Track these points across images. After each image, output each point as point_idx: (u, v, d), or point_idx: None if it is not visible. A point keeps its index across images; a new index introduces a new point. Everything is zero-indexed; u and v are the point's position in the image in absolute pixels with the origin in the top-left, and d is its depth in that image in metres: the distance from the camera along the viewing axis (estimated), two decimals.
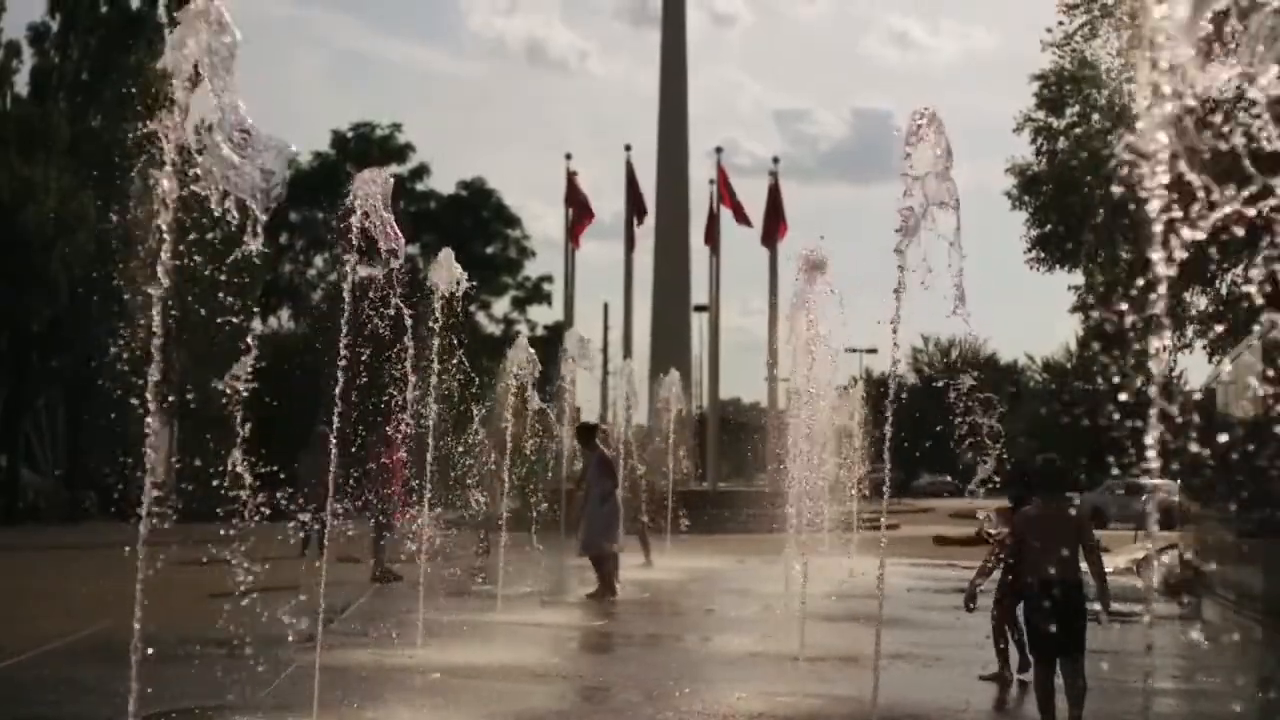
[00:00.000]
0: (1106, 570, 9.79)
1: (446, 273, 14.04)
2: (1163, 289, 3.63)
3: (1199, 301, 35.93)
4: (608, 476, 19.18)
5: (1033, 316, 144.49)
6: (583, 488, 20.39)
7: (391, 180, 10.60)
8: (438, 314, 13.70)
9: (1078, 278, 38.00)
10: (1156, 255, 3.60)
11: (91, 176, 36.26)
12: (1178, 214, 3.59)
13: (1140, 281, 3.76)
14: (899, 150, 8.46)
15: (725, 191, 47.90)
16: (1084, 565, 9.47)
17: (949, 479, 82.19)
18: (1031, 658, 9.62)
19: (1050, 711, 9.38)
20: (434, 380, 13.65)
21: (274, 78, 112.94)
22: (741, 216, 47.89)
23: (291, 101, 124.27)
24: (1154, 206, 3.59)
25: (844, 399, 25.60)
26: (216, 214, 6.19)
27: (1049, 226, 37.65)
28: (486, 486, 25.39)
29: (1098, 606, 9.50)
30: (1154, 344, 3.79)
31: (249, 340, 6.22)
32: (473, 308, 50.04)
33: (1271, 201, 3.44)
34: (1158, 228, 3.60)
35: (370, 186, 10.08)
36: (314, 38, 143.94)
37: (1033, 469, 10.31)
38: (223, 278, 6.49)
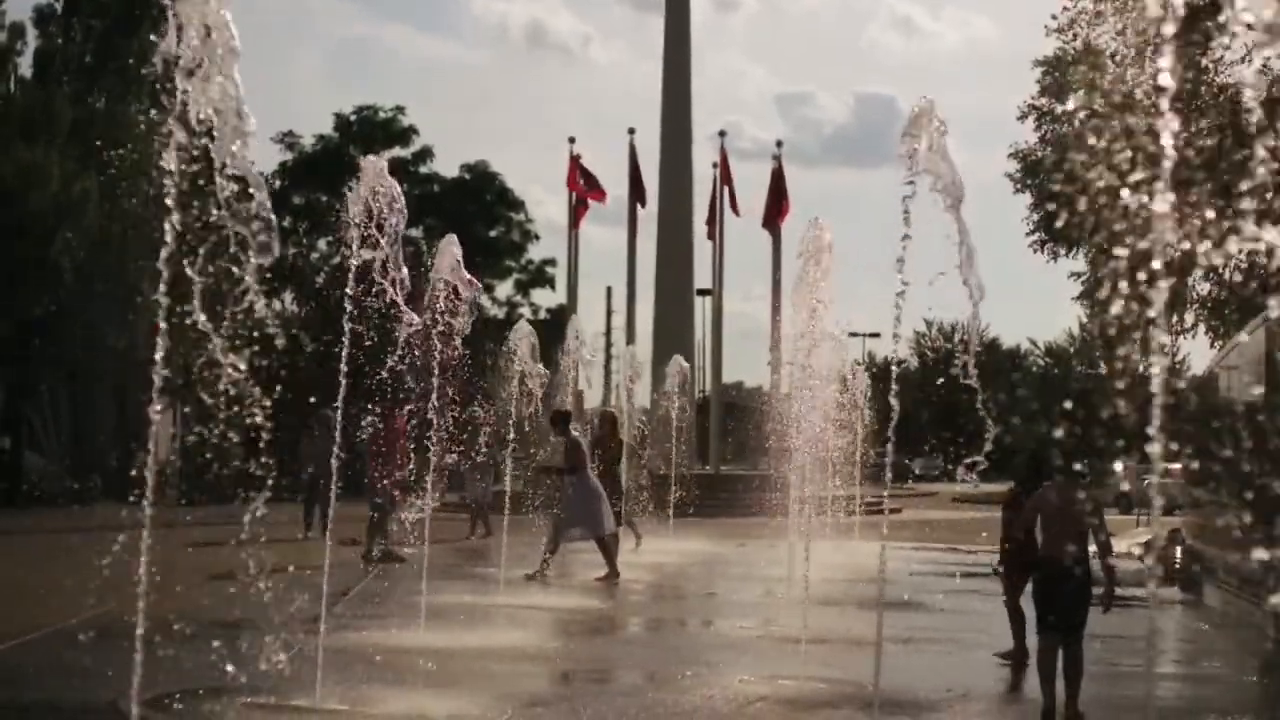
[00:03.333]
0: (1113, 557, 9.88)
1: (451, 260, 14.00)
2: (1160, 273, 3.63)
3: (1202, 286, 35.92)
4: (572, 460, 18.99)
5: (1034, 303, 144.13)
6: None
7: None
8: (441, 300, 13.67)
9: (1079, 264, 37.96)
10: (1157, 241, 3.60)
11: (94, 161, 36.21)
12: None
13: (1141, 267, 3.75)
14: (899, 142, 8.44)
15: (726, 176, 47.93)
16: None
17: (940, 464, 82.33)
18: (1036, 633, 9.75)
19: (1051, 686, 9.48)
20: (436, 365, 13.63)
21: (276, 65, 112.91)
22: (734, 205, 48.10)
23: (293, 88, 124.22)
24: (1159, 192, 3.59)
25: (846, 383, 25.56)
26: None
27: (1053, 206, 37.55)
28: (483, 470, 25.43)
29: (1099, 591, 9.56)
30: (1155, 330, 3.78)
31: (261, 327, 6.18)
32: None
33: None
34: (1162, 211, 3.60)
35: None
36: (315, 24, 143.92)
37: (1047, 452, 10.41)
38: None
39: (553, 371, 24.13)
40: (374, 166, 10.60)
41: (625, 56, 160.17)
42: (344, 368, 10.35)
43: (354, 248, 10.24)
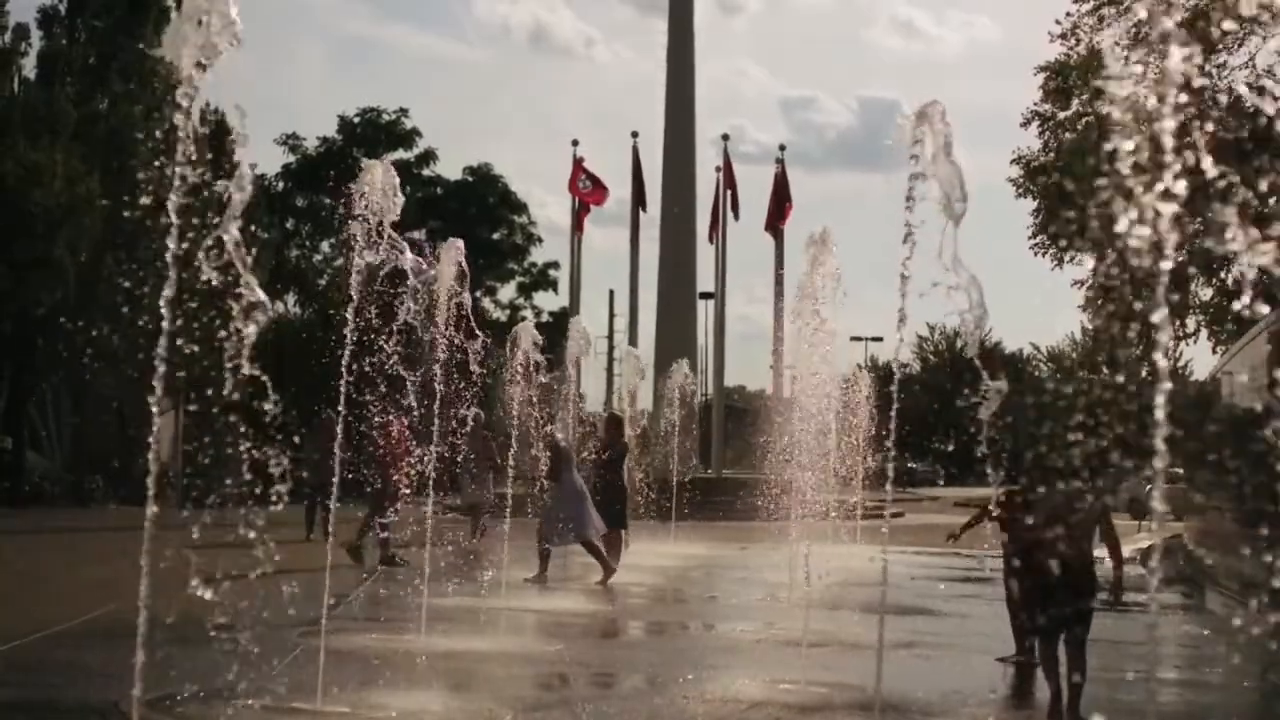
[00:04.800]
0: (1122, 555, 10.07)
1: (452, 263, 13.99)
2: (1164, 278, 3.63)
3: (1204, 291, 35.96)
4: (554, 464, 18.92)
5: (1036, 306, 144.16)
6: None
7: None
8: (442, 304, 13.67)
9: (1082, 271, 37.93)
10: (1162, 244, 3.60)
11: (97, 160, 36.28)
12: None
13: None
14: (902, 145, 8.40)
15: (729, 180, 48.05)
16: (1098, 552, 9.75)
17: (937, 467, 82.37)
18: (1039, 633, 9.93)
19: (1056, 680, 9.62)
20: (438, 367, 13.64)
21: (278, 64, 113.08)
22: (734, 209, 48.29)
23: (295, 87, 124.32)
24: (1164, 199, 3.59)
25: (848, 387, 25.54)
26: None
27: (1055, 213, 37.58)
28: (479, 471, 25.33)
29: (1105, 595, 9.70)
30: (1159, 335, 3.79)
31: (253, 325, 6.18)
32: (478, 293, 49.95)
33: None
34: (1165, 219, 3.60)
35: None
36: (317, 24, 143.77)
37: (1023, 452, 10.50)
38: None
39: (555, 375, 24.08)
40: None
41: (628, 58, 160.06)
42: (344, 371, 10.36)
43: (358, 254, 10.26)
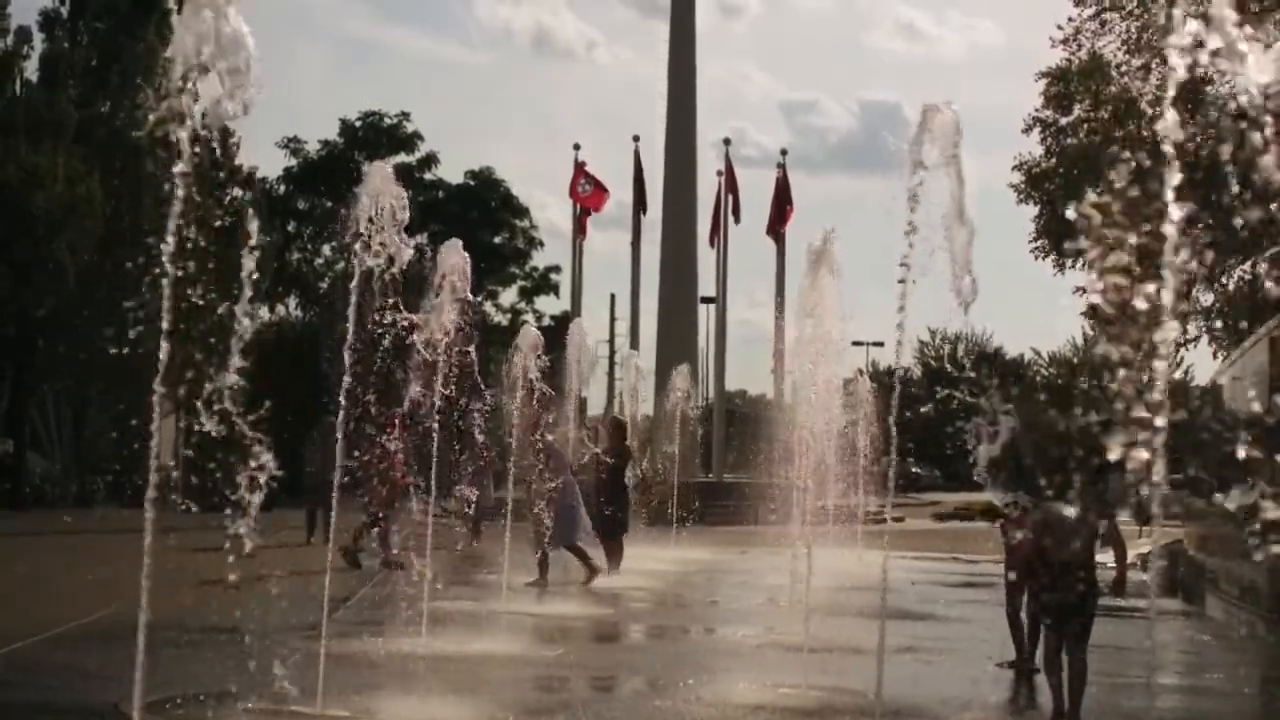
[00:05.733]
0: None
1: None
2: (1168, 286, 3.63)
3: (1205, 297, 35.98)
4: (554, 468, 18.90)
5: (1037, 309, 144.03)
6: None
7: None
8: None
9: (1083, 277, 37.91)
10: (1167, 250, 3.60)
11: (99, 162, 36.33)
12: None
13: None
14: (908, 146, 8.39)
15: (730, 183, 48.11)
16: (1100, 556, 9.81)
17: (937, 472, 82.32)
18: (1043, 636, 10.01)
19: (1058, 676, 9.65)
20: (438, 371, 13.61)
21: (279, 68, 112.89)
22: (736, 213, 48.35)
23: (297, 90, 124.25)
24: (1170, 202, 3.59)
25: (849, 391, 25.52)
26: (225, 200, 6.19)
27: (1056, 219, 37.62)
28: (477, 476, 25.26)
29: (1104, 600, 9.75)
30: (1160, 339, 3.78)
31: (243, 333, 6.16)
32: (480, 297, 49.97)
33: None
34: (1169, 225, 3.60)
35: None
36: (318, 27, 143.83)
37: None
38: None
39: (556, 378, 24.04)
40: None
41: (629, 61, 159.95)
42: (346, 375, 10.36)
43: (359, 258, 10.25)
